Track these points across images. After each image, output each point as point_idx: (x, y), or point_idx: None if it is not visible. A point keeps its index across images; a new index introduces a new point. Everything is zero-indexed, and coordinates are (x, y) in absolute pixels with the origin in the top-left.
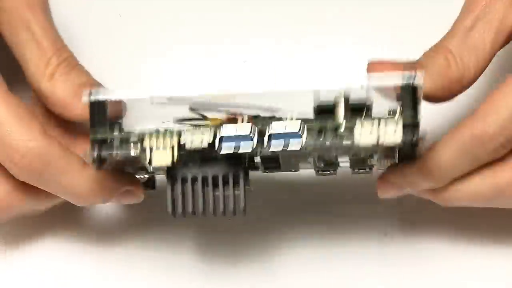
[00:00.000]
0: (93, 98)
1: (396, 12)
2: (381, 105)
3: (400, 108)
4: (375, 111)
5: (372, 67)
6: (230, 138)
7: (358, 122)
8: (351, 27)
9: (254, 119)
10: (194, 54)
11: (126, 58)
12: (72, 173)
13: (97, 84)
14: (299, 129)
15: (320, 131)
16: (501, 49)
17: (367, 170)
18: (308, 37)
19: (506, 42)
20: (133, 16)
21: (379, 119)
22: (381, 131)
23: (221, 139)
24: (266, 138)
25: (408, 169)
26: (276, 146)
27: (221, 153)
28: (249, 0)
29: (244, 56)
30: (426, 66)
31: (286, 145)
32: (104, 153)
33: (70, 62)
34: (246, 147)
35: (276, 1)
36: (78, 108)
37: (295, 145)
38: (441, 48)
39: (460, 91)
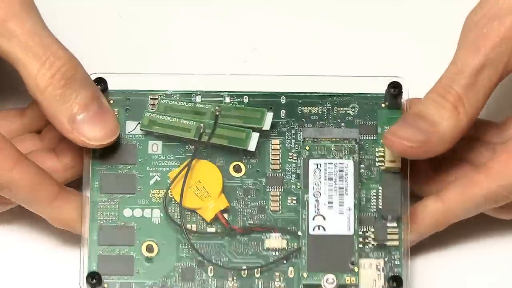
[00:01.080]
0: None
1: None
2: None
3: None
4: None
5: (388, 141)
6: None
7: None
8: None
9: None
10: (194, 54)
11: (126, 58)
12: (41, 207)
13: (97, 98)
14: None
15: None
16: None
17: None
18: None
19: None
20: (133, 16)
21: None
22: None
23: None
24: None
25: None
26: None
27: None
28: (247, 6)
29: (244, 56)
30: (439, 123)
31: None
32: None
33: (65, 73)
34: None
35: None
36: (72, 133)
37: None
38: (448, 92)
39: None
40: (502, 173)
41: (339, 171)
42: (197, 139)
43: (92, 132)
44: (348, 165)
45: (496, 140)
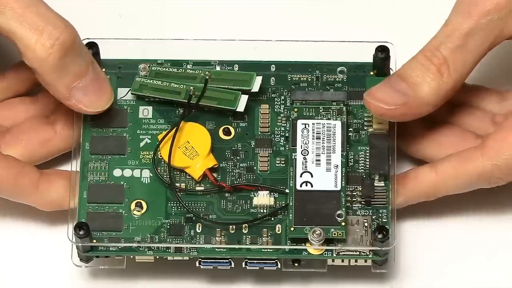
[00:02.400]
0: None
1: None
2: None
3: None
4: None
5: (366, 102)
6: (208, 262)
7: (329, 260)
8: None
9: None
10: (194, 53)
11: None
12: (26, 196)
13: (92, 65)
14: (275, 260)
15: (295, 261)
16: None
17: None
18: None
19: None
20: (133, 16)
21: (349, 260)
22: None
23: (200, 261)
24: (243, 263)
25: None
26: (252, 267)
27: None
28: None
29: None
30: (420, 85)
31: (261, 268)
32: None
33: (64, 42)
34: (223, 267)
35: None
36: (69, 100)
37: (270, 267)
38: (434, 55)
39: (449, 98)
40: (498, 152)
41: (327, 131)
42: (186, 101)
43: (90, 99)
44: (336, 125)
45: (495, 109)
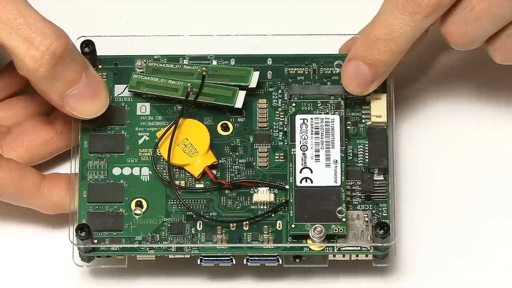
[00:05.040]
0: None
1: None
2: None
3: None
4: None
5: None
6: (210, 260)
7: (330, 255)
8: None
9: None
10: (191, 49)
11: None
12: (29, 199)
13: (86, 70)
14: (276, 256)
15: (296, 257)
16: None
17: None
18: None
19: None
20: (133, 16)
21: (350, 255)
22: (353, 256)
23: (201, 259)
24: (244, 260)
25: None
26: (254, 263)
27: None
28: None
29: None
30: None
31: (263, 264)
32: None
33: (55, 52)
34: (225, 264)
35: None
36: (64, 108)
37: (271, 263)
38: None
39: None
40: None
41: (326, 125)
42: (184, 98)
43: (83, 106)
44: (334, 120)
45: None
